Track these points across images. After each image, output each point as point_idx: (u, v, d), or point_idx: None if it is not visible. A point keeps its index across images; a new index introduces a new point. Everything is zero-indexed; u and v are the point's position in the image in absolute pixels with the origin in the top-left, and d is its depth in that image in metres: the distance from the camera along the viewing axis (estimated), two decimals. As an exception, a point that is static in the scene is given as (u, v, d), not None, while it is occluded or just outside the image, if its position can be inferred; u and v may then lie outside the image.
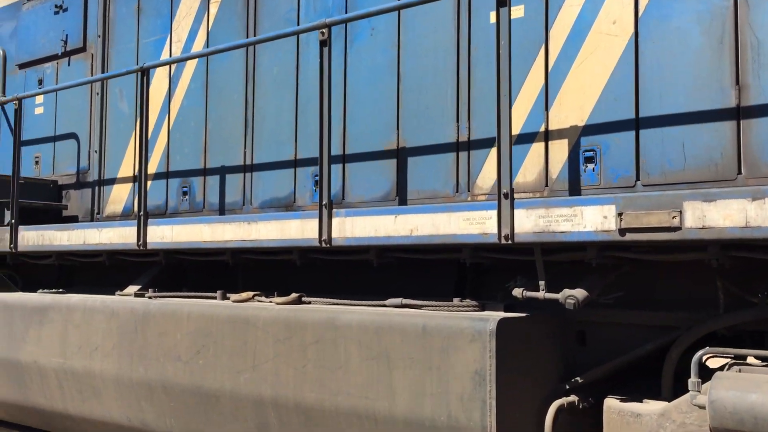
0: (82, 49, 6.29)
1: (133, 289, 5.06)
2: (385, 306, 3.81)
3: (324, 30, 3.80)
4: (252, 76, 5.04)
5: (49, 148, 6.52)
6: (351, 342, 3.61)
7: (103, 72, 6.07)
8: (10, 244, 5.58)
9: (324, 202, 3.77)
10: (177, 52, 5.52)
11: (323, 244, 3.75)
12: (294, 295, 4.14)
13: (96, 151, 6.07)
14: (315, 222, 3.83)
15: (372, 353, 3.53)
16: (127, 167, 5.80)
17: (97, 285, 6.08)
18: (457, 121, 3.99)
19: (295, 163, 4.74)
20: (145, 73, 4.76)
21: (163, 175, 5.54)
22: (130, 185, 5.78)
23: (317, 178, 4.56)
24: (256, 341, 4.01)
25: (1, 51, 6.11)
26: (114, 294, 5.24)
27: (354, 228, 3.66)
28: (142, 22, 5.83)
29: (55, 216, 6.24)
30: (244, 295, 4.40)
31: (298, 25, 4.80)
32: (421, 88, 4.16)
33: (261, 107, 4.96)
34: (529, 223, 3.09)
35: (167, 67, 5.50)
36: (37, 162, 6.61)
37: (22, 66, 6.87)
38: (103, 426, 4.97)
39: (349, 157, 4.45)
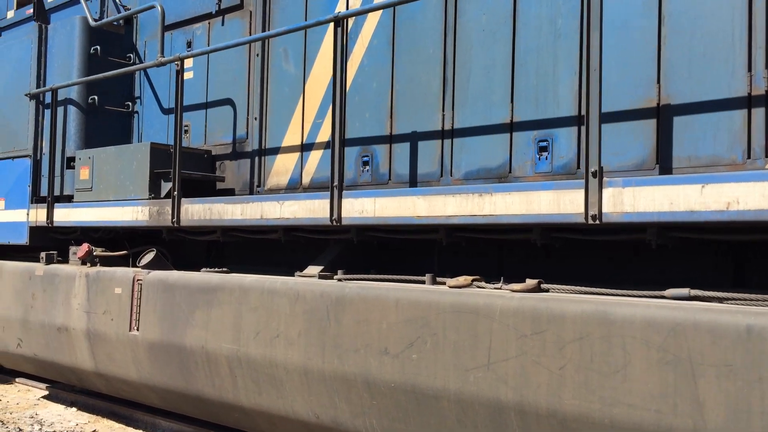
0: (239, 7, 5.76)
1: (315, 269, 4.52)
2: (664, 297, 3.11)
3: (595, -44, 3.09)
4: (452, 27, 4.37)
5: (200, 115, 6.05)
6: (633, 341, 2.92)
7: (264, 30, 5.52)
8: (173, 218, 5.12)
9: (593, 169, 3.07)
10: (356, 3, 4.91)
11: (591, 221, 3.07)
12: (532, 281, 3.48)
13: (256, 118, 5.55)
14: (577, 193, 3.14)
15: (666, 357, 2.83)
16: (294, 135, 5.26)
17: (258, 264, 5.59)
18: (749, 69, 3.22)
19: (511, 127, 4.06)
20: (340, 24, 4.16)
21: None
22: (297, 155, 5.23)
23: (542, 143, 3.88)
24: (490, 335, 3.38)
25: (159, 7, 5.65)
26: (283, 274, 4.73)
27: (636, 200, 2.96)
28: (312, -27, 5.24)
29: (209, 189, 5.77)
30: (462, 279, 3.77)
31: (516, -36, 4.09)
32: (693, 30, 3.40)
33: (464, 63, 4.30)
34: None
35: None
36: (186, 131, 6.16)
37: (167, 28, 6.41)
38: (281, 421, 4.46)
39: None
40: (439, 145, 4.39)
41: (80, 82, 6.29)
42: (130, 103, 6.71)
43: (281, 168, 5.35)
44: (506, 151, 4.07)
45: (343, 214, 4.09)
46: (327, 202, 4.18)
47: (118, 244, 6.17)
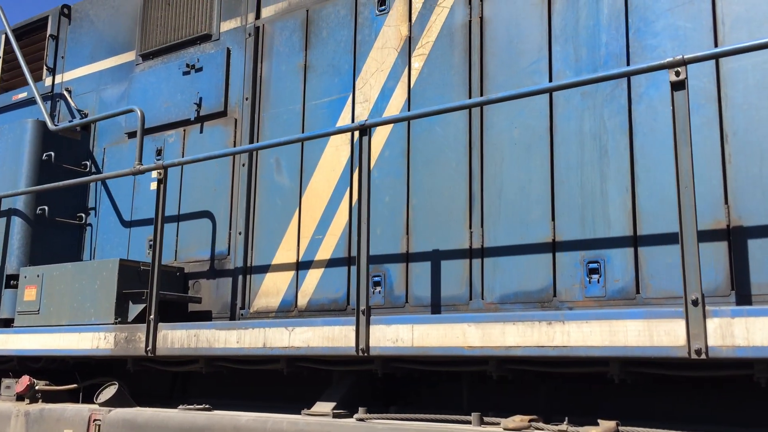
0: (222, 114, 5.36)
1: (326, 406, 3.92)
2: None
3: (680, 69, 2.91)
4: (479, 140, 4.12)
5: (170, 229, 5.46)
6: (761, 497, 2.52)
7: (253, 140, 5.12)
8: (147, 346, 4.43)
9: (693, 297, 2.75)
10: (363, 114, 4.61)
11: (695, 355, 2.71)
12: (608, 423, 3.06)
13: (240, 233, 5.03)
14: (674, 324, 2.80)
15: None
16: (287, 252, 4.77)
17: (240, 398, 4.91)
18: (831, 190, 3.06)
19: (553, 247, 3.75)
20: (366, 132, 3.81)
21: (343, 261, 4.51)
22: (291, 274, 4.72)
23: (593, 265, 3.58)
24: (571, 489, 2.90)
25: (138, 111, 5.16)
26: (278, 411, 4.12)
27: (750, 333, 2.64)
28: (310, 81, 4.94)
29: (180, 312, 5.12)
30: (518, 419, 3.30)
31: (550, 79, 3.92)
32: (762, 149, 3.25)
33: (494, 178, 4.02)
34: None
35: (348, 134, 4.58)
36: (151, 246, 5.54)
37: (133, 134, 5.91)
38: None
39: (644, 239, 3.49)
40: (467, 265, 4.02)
41: (30, 191, 5.62)
42: (83, 215, 6.05)
43: (271, 288, 4.80)
44: (549, 273, 3.73)
45: (372, 343, 3.59)
46: (350, 329, 3.66)
47: (63, 377, 5.32)
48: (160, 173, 4.66)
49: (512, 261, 3.87)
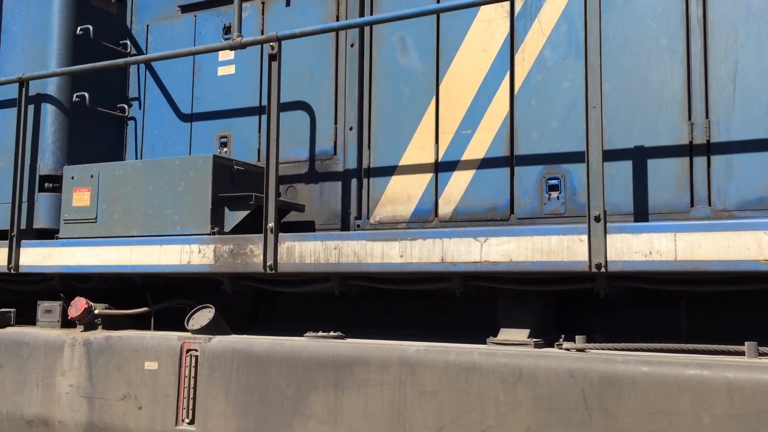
0: (318, -19, 4.37)
1: (517, 333, 3.20)
2: None
3: None
4: (700, 11, 3.33)
5: (247, 123, 4.52)
6: None
7: (364, 14, 4.17)
8: (266, 261, 3.57)
9: None
10: (529, -20, 3.74)
11: None
12: None
13: (351, 128, 4.14)
14: None
15: None
16: (421, 150, 3.92)
17: (345, 324, 4.13)
18: None
19: (816, 141, 3.07)
20: (592, -11, 2.96)
21: (503, 161, 3.71)
22: (427, 177, 3.89)
23: None
24: None
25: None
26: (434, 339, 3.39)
27: None
28: (449, -61, 3.99)
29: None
30: (813, 349, 2.66)
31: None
32: None
33: (723, 57, 3.26)
34: None
35: (506, 5, 3.72)
36: (224, 143, 4.59)
37: (188, 8, 4.85)
38: None
39: None
40: (686, 164, 3.29)
41: (67, 71, 4.51)
42: (125, 106, 4.99)
43: (399, 194, 3.97)
44: (808, 172, 3.06)
45: (612, 257, 2.84)
46: (576, 238, 2.90)
47: (118, 300, 4.40)
48: (273, 47, 3.70)
49: (754, 159, 3.16)
